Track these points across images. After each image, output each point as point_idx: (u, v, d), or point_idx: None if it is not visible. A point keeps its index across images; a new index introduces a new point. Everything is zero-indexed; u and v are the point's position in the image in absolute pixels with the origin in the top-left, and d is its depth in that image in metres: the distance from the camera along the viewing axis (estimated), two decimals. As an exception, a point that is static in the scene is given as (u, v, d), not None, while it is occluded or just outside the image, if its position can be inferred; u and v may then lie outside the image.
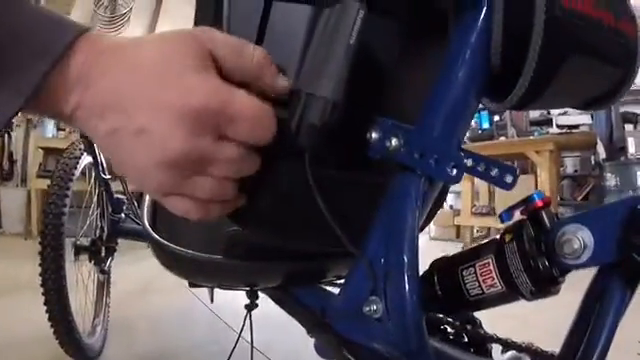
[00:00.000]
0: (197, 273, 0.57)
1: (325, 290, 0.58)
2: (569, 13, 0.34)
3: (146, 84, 0.27)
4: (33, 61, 0.25)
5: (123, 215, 1.41)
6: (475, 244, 0.35)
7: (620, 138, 3.67)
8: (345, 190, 0.40)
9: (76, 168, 1.27)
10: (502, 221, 0.34)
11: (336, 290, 0.58)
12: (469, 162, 0.36)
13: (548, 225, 0.31)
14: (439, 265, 0.37)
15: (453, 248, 3.73)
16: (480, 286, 0.33)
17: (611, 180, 3.50)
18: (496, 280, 0.32)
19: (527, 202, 0.32)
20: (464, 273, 0.33)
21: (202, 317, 1.64)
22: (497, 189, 4.00)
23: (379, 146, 0.35)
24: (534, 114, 4.13)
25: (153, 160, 0.27)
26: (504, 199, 3.86)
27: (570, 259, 0.28)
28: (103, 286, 1.49)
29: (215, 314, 1.61)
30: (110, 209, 1.38)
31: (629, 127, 4.13)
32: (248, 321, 0.65)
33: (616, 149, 3.61)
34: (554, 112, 3.92)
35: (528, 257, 0.30)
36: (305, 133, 0.30)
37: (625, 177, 3.43)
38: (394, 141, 0.34)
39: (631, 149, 3.84)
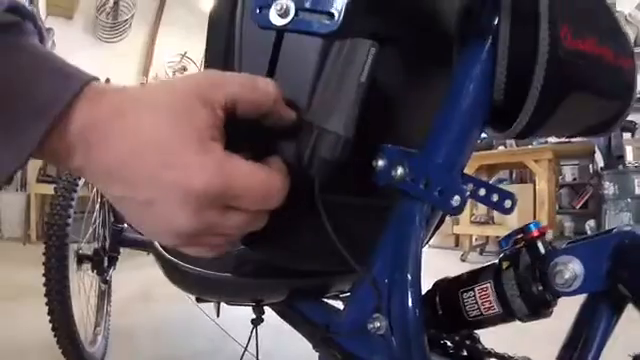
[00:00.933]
0: (205, 290, 0.58)
1: (330, 305, 0.60)
2: (571, 53, 0.35)
3: (147, 159, 0.26)
4: (32, 120, 0.25)
5: (126, 224, 1.42)
6: (475, 268, 0.37)
7: (618, 146, 3.68)
8: (352, 213, 0.42)
9: (80, 177, 1.28)
10: (501, 247, 0.36)
11: (339, 304, 0.60)
12: (470, 186, 0.38)
13: (543, 253, 0.33)
14: (441, 286, 0.39)
15: (452, 256, 3.72)
16: (479, 308, 0.34)
17: (609, 188, 3.52)
18: (494, 303, 0.33)
19: (524, 231, 0.34)
20: (464, 295, 0.35)
21: (204, 326, 1.65)
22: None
23: (385, 174, 0.37)
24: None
25: (162, 229, 0.27)
26: (502, 208, 3.88)
27: (562, 287, 0.30)
28: (104, 294, 1.50)
29: (217, 324, 1.62)
30: (113, 218, 1.39)
31: (627, 135, 4.14)
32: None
33: (614, 157, 3.63)
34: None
35: (523, 283, 0.32)
36: (317, 166, 0.32)
37: (623, 185, 3.44)
38: (399, 170, 0.36)
39: (629, 157, 3.85)
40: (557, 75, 0.34)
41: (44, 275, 1.13)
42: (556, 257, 0.31)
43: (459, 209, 0.33)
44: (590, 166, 4.12)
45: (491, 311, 0.34)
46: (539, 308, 0.33)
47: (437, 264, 3.38)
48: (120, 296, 1.66)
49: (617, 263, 0.29)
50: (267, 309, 0.66)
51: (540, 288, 0.32)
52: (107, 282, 1.42)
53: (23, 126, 0.25)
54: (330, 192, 0.36)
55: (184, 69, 5.52)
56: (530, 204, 3.71)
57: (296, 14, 0.32)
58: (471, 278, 0.36)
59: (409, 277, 0.37)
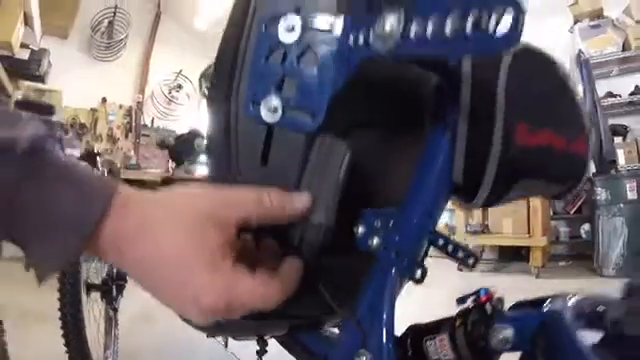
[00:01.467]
0: (214, 329, 0.65)
1: (328, 336, 0.66)
2: (523, 150, 0.40)
3: (168, 275, 0.31)
4: (66, 235, 0.29)
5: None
6: (438, 319, 0.44)
7: (610, 151, 3.73)
8: (338, 271, 0.49)
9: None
10: (458, 305, 0.43)
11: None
12: (441, 242, 0.45)
13: (489, 314, 0.40)
14: (413, 330, 0.46)
15: (449, 266, 3.74)
16: (438, 355, 0.42)
17: (601, 194, 3.57)
18: (450, 352, 0.41)
19: (476, 294, 0.42)
20: (427, 343, 0.43)
21: (209, 346, 1.68)
22: (490, 208, 4.08)
23: (364, 241, 0.44)
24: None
25: (181, 314, 0.34)
26: (498, 218, 3.96)
27: (498, 346, 0.39)
28: (112, 319, 1.55)
29: (221, 344, 1.67)
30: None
31: (618, 139, 4.20)
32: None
33: (606, 162, 3.68)
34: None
35: (471, 339, 0.40)
36: (305, 250, 0.38)
37: (615, 191, 3.49)
38: (376, 240, 0.43)
39: (621, 161, 3.91)
40: (508, 169, 0.40)
41: (60, 310, 1.19)
42: (497, 321, 0.39)
43: (421, 281, 0.41)
44: (582, 172, 4.16)
45: (448, 357, 0.41)
46: (485, 358, 0.40)
47: (435, 274, 3.38)
48: (124, 317, 1.70)
49: (540, 335, 0.37)
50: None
51: (484, 343, 0.40)
52: (116, 310, 1.47)
53: (57, 241, 0.29)
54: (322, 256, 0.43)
55: (179, 87, 5.60)
56: (524, 212, 3.78)
57: (283, 111, 0.38)
58: (435, 327, 0.43)
59: (385, 320, 0.44)
